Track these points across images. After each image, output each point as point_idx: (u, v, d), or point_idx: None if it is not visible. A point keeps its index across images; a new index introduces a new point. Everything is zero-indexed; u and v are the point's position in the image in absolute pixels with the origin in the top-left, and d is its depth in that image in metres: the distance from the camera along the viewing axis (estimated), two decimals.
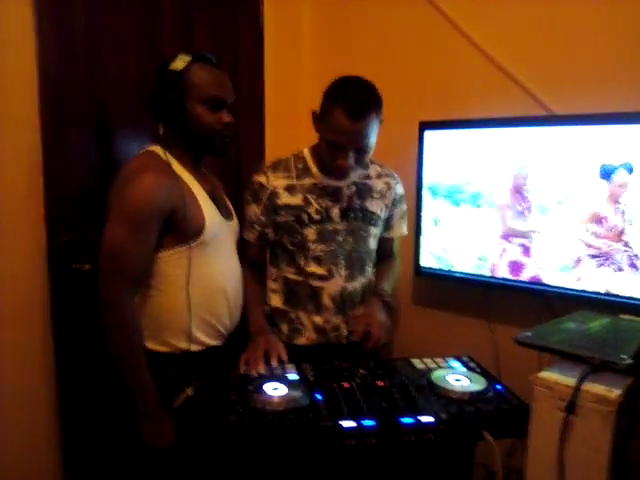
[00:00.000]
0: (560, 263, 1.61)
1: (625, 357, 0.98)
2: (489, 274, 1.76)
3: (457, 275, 1.83)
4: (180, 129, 1.34)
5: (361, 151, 1.45)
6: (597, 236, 1.54)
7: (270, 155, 2.14)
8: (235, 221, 1.54)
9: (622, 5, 1.54)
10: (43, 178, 1.52)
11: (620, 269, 1.52)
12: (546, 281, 1.65)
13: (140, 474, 1.40)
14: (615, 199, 1.50)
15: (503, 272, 1.73)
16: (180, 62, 1.31)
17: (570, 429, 0.96)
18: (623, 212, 1.50)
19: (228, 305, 1.45)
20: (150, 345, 1.34)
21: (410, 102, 1.97)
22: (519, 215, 1.68)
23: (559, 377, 0.99)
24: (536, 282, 1.67)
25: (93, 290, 1.29)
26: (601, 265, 1.55)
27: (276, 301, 1.63)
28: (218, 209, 1.42)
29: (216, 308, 1.42)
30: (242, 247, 1.63)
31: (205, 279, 1.38)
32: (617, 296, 1.53)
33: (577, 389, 0.95)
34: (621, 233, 1.51)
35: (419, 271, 1.93)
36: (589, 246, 1.56)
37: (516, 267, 1.71)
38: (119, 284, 1.25)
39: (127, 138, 1.71)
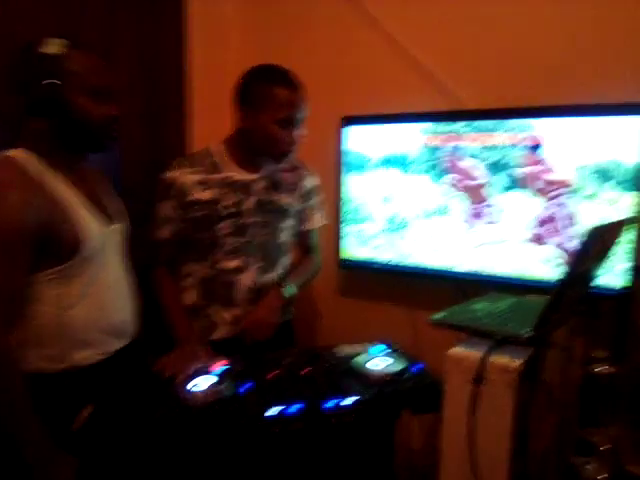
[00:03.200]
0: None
1: (527, 330, 1.07)
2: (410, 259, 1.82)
3: (377, 265, 1.89)
4: (59, 123, 1.15)
5: (302, 121, 1.52)
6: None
7: None
8: (121, 222, 1.36)
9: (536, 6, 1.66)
10: None
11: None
12: (458, 266, 1.74)
13: None
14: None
15: (420, 256, 1.80)
16: (52, 46, 1.11)
17: (479, 399, 1.03)
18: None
19: (120, 319, 1.31)
20: (36, 366, 1.16)
21: (333, 97, 2.01)
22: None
23: (468, 352, 1.06)
24: (448, 269, 1.75)
25: None
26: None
27: (190, 298, 1.59)
28: (101, 213, 1.26)
29: (105, 325, 1.26)
30: (153, 248, 1.59)
31: (90, 297, 1.22)
32: (520, 279, 1.63)
33: (483, 362, 1.02)
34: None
35: (342, 264, 1.98)
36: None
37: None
38: None
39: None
